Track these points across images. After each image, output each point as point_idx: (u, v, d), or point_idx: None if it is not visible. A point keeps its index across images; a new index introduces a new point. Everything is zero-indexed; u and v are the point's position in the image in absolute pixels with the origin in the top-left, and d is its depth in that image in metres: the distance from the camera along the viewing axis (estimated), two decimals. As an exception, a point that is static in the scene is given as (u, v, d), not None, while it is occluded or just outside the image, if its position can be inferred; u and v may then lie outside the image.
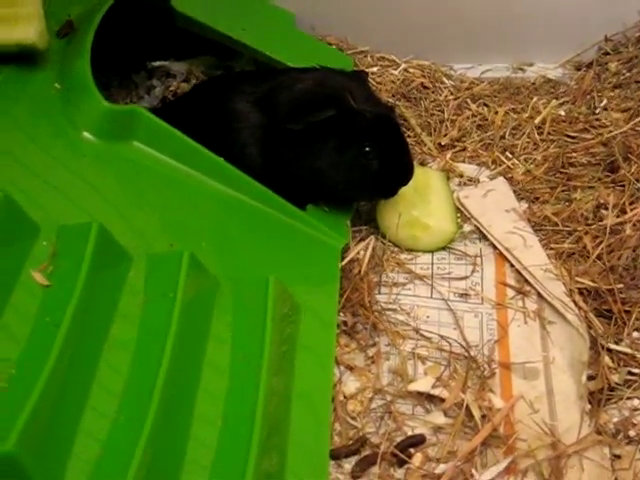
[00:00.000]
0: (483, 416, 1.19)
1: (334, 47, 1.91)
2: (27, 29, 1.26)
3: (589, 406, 1.21)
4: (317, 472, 1.08)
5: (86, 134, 1.26)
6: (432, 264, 1.44)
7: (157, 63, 1.81)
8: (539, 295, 1.36)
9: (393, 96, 1.81)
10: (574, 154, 1.63)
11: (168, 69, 1.80)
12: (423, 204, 1.49)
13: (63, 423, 0.95)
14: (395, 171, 1.38)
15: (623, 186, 1.51)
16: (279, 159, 1.36)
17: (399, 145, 1.38)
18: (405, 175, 1.39)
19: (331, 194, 1.41)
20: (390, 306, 1.36)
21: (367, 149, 1.33)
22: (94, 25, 1.36)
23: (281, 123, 1.33)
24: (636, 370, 1.25)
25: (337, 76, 1.41)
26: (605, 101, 1.77)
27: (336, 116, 1.30)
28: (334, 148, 1.33)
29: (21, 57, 1.28)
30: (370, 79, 1.77)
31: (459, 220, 1.51)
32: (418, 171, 1.52)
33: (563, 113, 1.76)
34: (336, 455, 1.15)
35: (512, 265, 1.41)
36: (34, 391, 0.91)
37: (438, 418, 1.20)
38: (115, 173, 1.24)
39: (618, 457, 1.16)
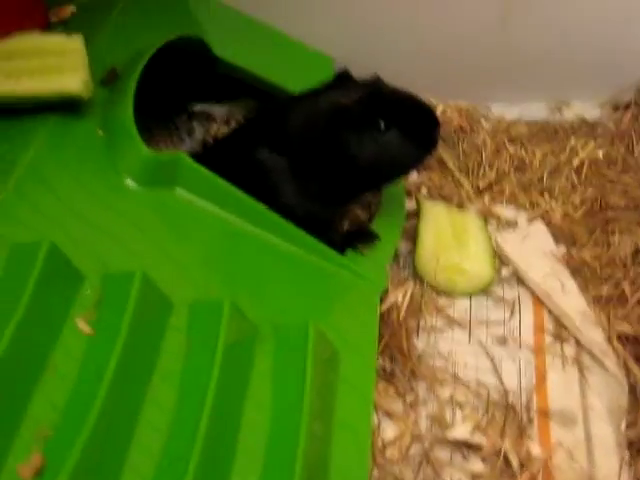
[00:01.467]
0: (521, 464, 1.19)
1: (372, 91, 1.93)
2: (72, 79, 1.28)
3: (628, 454, 1.20)
4: (356, 518, 1.09)
5: (129, 181, 1.27)
6: (470, 309, 1.45)
7: (198, 106, 1.84)
8: (577, 341, 1.36)
9: (431, 139, 1.82)
10: (613, 197, 1.63)
11: (209, 112, 1.82)
12: (461, 248, 1.50)
13: (111, 463, 0.97)
14: (420, 137, 1.36)
15: (661, 230, 1.52)
16: (311, 188, 1.37)
17: (408, 101, 1.39)
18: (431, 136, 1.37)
19: (374, 180, 1.40)
20: (428, 351, 1.37)
21: (382, 126, 1.33)
22: (137, 73, 1.38)
23: (301, 148, 1.35)
24: (676, 417, 1.25)
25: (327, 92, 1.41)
26: (643, 142, 1.77)
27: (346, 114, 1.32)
28: (349, 137, 1.33)
29: (66, 105, 1.31)
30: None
31: (497, 264, 1.52)
32: (456, 215, 1.54)
33: (601, 155, 1.76)
34: (375, 502, 1.16)
35: (550, 310, 1.42)
36: (78, 441, 0.93)
37: (476, 465, 1.21)
38: (157, 220, 1.26)
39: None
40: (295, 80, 1.68)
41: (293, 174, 1.37)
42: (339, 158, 1.33)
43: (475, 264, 1.48)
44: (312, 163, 1.35)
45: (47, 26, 1.55)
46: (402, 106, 1.36)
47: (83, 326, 1.06)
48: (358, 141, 1.32)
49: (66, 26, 1.56)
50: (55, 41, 1.34)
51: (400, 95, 1.39)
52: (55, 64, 1.29)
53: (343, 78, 1.43)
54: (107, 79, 1.42)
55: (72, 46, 1.33)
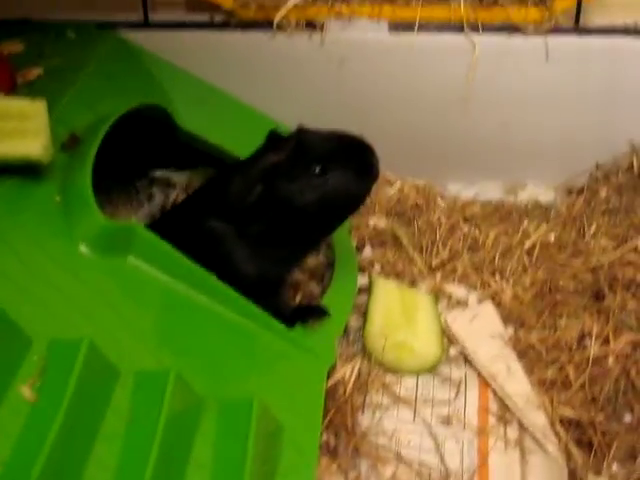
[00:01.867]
0: None
1: (332, 164, 1.96)
2: (33, 144, 1.29)
3: (565, 540, 1.21)
4: None
5: (83, 247, 1.28)
6: (417, 387, 1.46)
7: (158, 172, 1.86)
8: (520, 423, 1.38)
9: (387, 214, 1.85)
10: (562, 280, 1.66)
11: (169, 179, 1.85)
12: (410, 326, 1.51)
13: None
14: (360, 173, 1.39)
15: (608, 315, 1.54)
16: (262, 253, 1.39)
17: (337, 139, 1.42)
18: (371, 170, 1.40)
19: (326, 224, 1.42)
20: (373, 429, 1.37)
21: (317, 170, 1.35)
22: (97, 141, 1.40)
23: (245, 212, 1.36)
24: (614, 504, 1.26)
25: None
26: (594, 227, 1.80)
27: (278, 165, 1.35)
28: (290, 188, 1.35)
29: (25, 169, 1.32)
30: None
31: (445, 343, 1.53)
32: (407, 293, 1.56)
33: (553, 238, 1.79)
34: None
35: (495, 392, 1.43)
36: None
37: None
38: (108, 288, 1.26)
39: None
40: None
41: (242, 240, 1.39)
42: (286, 213, 1.35)
43: (423, 343, 1.49)
44: (259, 225, 1.37)
45: (13, 88, 1.57)
46: (332, 144, 1.39)
47: (27, 392, 1.06)
48: (299, 191, 1.34)
49: (32, 88, 1.58)
50: (18, 105, 1.35)
51: (327, 135, 1.42)
52: (17, 128, 1.30)
53: (274, 138, 1.46)
54: (68, 144, 1.44)
55: (35, 110, 1.34)
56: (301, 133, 1.42)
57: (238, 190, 1.36)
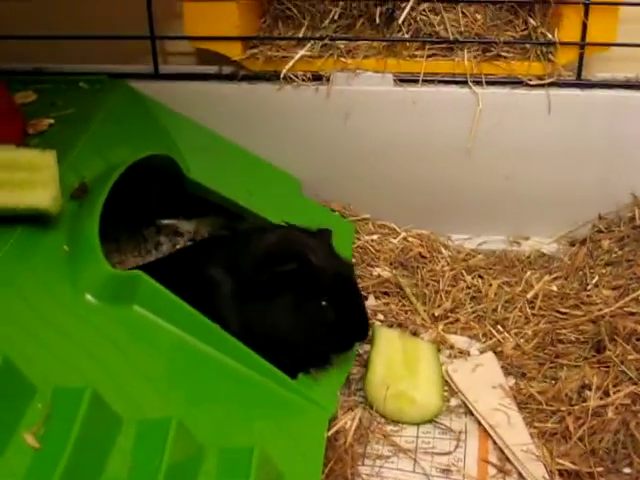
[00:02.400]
0: None
1: (337, 213, 1.99)
2: (42, 195, 1.31)
3: None
4: None
5: (89, 296, 1.31)
6: (417, 437, 1.47)
7: (166, 221, 1.89)
8: (520, 475, 1.38)
9: (391, 264, 1.87)
10: (563, 330, 1.68)
11: (176, 227, 1.87)
12: (411, 377, 1.53)
13: None
14: (351, 327, 1.45)
15: (608, 367, 1.55)
16: (251, 319, 1.41)
17: (355, 302, 1.46)
18: (361, 331, 1.46)
19: (292, 346, 1.44)
20: (373, 479, 1.38)
21: (324, 303, 1.41)
22: (106, 190, 1.42)
23: (249, 277, 1.40)
24: None
25: (300, 233, 1.50)
26: (597, 278, 1.81)
27: (297, 270, 1.38)
28: (294, 301, 1.40)
29: (35, 218, 1.34)
30: (370, 246, 1.85)
31: (446, 393, 1.54)
32: (409, 343, 1.58)
33: (555, 288, 1.81)
34: None
35: (495, 442, 1.44)
36: None
37: None
38: (113, 337, 1.28)
39: None
40: (260, 201, 1.74)
41: (237, 299, 1.43)
42: (272, 312, 1.41)
43: (424, 394, 1.50)
44: (253, 296, 1.42)
45: (23, 138, 1.60)
46: (347, 300, 1.45)
47: (30, 440, 1.07)
48: (295, 308, 1.42)
49: (43, 137, 1.61)
50: (28, 156, 1.37)
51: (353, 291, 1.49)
52: (26, 179, 1.33)
53: (323, 236, 1.54)
54: (77, 193, 1.46)
55: (44, 161, 1.36)
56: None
57: (261, 256, 1.42)
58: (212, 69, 1.98)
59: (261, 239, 1.47)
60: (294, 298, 1.41)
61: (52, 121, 1.67)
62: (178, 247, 1.84)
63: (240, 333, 1.37)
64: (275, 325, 1.41)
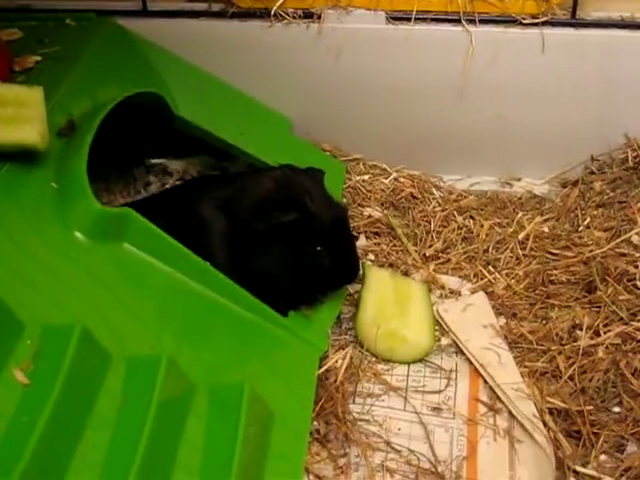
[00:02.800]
0: (446, 533, 1.21)
1: (328, 153, 1.97)
2: (30, 130, 1.30)
3: (552, 529, 1.22)
4: None
5: (78, 234, 1.29)
6: (408, 376, 1.47)
7: (155, 160, 1.87)
8: (510, 413, 1.39)
9: (382, 204, 1.86)
10: (555, 271, 1.67)
11: (165, 167, 1.85)
12: (402, 316, 1.52)
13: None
14: (343, 271, 1.47)
15: (599, 307, 1.55)
16: (243, 262, 1.41)
17: (349, 247, 1.49)
18: (352, 275, 1.49)
19: (284, 288, 1.45)
20: (363, 417, 1.39)
21: (319, 249, 1.42)
22: (94, 128, 1.40)
23: (246, 223, 1.40)
24: (601, 494, 1.27)
25: (296, 177, 1.48)
26: (588, 219, 1.81)
27: (298, 218, 1.38)
28: (290, 248, 1.41)
29: (22, 155, 1.32)
30: (361, 186, 1.84)
31: (437, 333, 1.54)
32: (400, 282, 1.57)
33: (547, 229, 1.80)
34: None
35: (486, 381, 1.44)
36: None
37: (403, 533, 1.22)
38: (103, 274, 1.27)
39: None
40: (251, 140, 1.72)
41: (230, 239, 1.43)
42: (268, 257, 1.42)
43: (415, 333, 1.50)
44: (249, 242, 1.42)
45: (9, 75, 1.57)
46: (341, 245, 1.47)
47: (20, 376, 1.07)
48: (291, 253, 1.43)
49: (29, 75, 1.58)
50: (15, 92, 1.35)
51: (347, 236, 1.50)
52: (13, 115, 1.31)
53: (316, 178, 1.53)
54: (64, 130, 1.44)
55: (31, 97, 1.34)
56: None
57: (261, 203, 1.42)
58: (201, 6, 1.94)
59: (259, 184, 1.45)
60: (290, 245, 1.41)
61: (39, 58, 1.64)
62: (167, 186, 1.83)
63: (230, 273, 1.37)
64: (269, 271, 1.42)
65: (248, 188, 1.45)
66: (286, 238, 1.40)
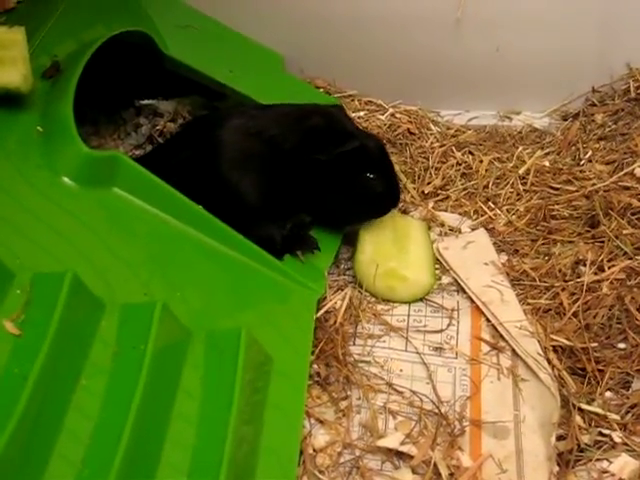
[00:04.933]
0: (451, 474, 1.19)
1: (322, 90, 1.93)
2: (12, 73, 1.26)
3: (557, 468, 1.21)
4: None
5: (66, 179, 1.26)
6: (408, 316, 1.45)
7: (145, 101, 1.82)
8: (513, 352, 1.36)
9: (379, 141, 1.82)
10: (556, 206, 1.64)
11: (156, 108, 1.80)
12: (401, 255, 1.49)
13: (30, 472, 0.95)
14: (390, 194, 1.50)
15: (602, 242, 1.52)
16: (283, 190, 1.42)
17: (393, 173, 1.52)
18: (397, 199, 1.52)
19: (334, 219, 1.51)
20: (364, 358, 1.36)
21: (372, 176, 1.45)
22: (79, 69, 1.36)
23: (307, 154, 1.40)
24: (607, 431, 1.25)
25: (334, 111, 1.51)
26: (590, 153, 1.77)
27: (359, 147, 1.42)
28: (348, 176, 1.43)
29: (5, 98, 1.29)
30: (357, 123, 1.79)
31: (438, 271, 1.52)
32: (399, 221, 1.54)
33: (548, 164, 1.76)
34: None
35: (488, 320, 1.42)
36: (0, 442, 0.91)
37: (406, 475, 1.20)
38: (93, 220, 1.24)
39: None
40: (242, 78, 1.68)
41: (264, 164, 1.42)
42: (324, 188, 1.45)
43: (415, 271, 1.47)
44: (300, 172, 1.42)
45: (-10, 16, 1.53)
46: (387, 171, 1.52)
47: (10, 327, 1.04)
48: (347, 182, 1.46)
49: (10, 16, 1.54)
50: (-6, 33, 1.31)
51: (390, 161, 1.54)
52: (-5, 56, 1.27)
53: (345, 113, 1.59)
54: (49, 72, 1.40)
55: (13, 38, 1.30)
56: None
57: (321, 134, 1.42)
58: (189, -60, 1.88)
59: (306, 119, 1.44)
60: (348, 174, 1.44)
61: (20, -2, 1.59)
62: (158, 128, 1.78)
63: (257, 201, 1.40)
64: (328, 200, 1.46)
65: (295, 119, 1.45)
66: (344, 168, 1.43)
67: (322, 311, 1.37)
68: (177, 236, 1.29)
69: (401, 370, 1.36)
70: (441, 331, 1.42)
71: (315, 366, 1.32)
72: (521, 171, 1.74)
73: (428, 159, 1.78)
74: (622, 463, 1.20)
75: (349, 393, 1.31)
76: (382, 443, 1.23)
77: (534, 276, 1.48)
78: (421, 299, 1.47)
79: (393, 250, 1.49)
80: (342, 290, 1.45)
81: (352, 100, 1.95)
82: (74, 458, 0.99)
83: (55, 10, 1.54)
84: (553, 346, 1.36)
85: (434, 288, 1.49)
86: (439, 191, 1.72)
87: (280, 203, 1.43)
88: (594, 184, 1.66)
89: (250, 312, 1.28)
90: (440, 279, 1.51)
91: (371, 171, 1.45)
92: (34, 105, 1.33)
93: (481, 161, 1.77)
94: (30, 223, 1.18)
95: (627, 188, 1.62)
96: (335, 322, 1.37)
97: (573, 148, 1.82)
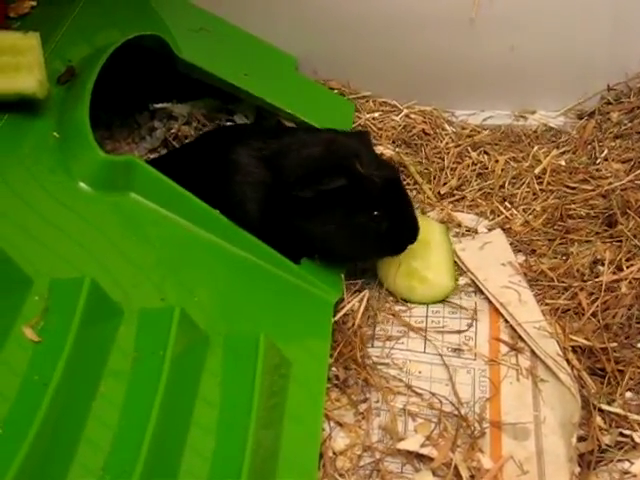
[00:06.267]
0: (472, 476, 1.19)
1: (336, 92, 1.92)
2: (28, 79, 1.26)
3: (578, 469, 1.20)
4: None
5: (82, 184, 1.26)
6: (427, 317, 1.44)
7: (159, 105, 1.82)
8: (532, 352, 1.36)
9: (394, 142, 1.82)
10: (573, 206, 1.63)
11: (170, 111, 1.80)
12: (424, 256, 1.49)
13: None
14: (403, 230, 1.41)
15: (620, 241, 1.51)
16: (281, 219, 1.36)
17: (406, 206, 1.41)
18: (413, 233, 1.41)
19: (339, 255, 1.42)
20: (383, 360, 1.36)
21: (376, 213, 1.35)
22: (94, 74, 1.36)
23: (290, 189, 1.33)
24: (628, 432, 1.24)
25: (344, 140, 1.42)
26: (606, 151, 1.77)
27: (346, 184, 1.31)
28: (343, 214, 1.35)
29: (21, 104, 1.29)
30: (371, 124, 1.80)
31: (456, 274, 1.51)
32: (421, 222, 1.53)
33: (564, 163, 1.76)
34: (323, 513, 1.16)
35: (506, 321, 1.41)
36: (21, 449, 0.92)
37: (426, 478, 1.20)
38: (110, 225, 1.24)
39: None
40: (256, 81, 1.67)
41: (267, 191, 1.38)
42: (318, 224, 1.36)
43: (436, 273, 1.47)
44: (293, 205, 1.35)
45: (5, 21, 1.53)
46: (398, 206, 1.40)
47: (29, 333, 1.05)
48: (345, 220, 1.36)
49: (25, 21, 1.54)
50: (10, 39, 1.32)
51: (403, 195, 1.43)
52: (9, 63, 1.28)
53: (364, 139, 1.47)
54: (64, 77, 1.41)
55: (28, 44, 1.31)
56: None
57: (306, 169, 1.35)
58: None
59: (304, 147, 1.39)
60: (343, 211, 1.34)
61: (34, 3, 1.61)
62: (173, 131, 1.78)
63: (259, 224, 1.37)
64: (325, 238, 1.37)
65: (294, 150, 1.39)
66: (336, 204, 1.33)
67: (340, 314, 1.37)
68: (194, 240, 1.29)
69: (420, 372, 1.35)
70: (460, 332, 1.41)
71: (334, 369, 1.32)
72: (537, 171, 1.73)
73: (443, 159, 1.78)
74: (644, 464, 1.20)
75: (368, 395, 1.31)
76: (402, 446, 1.22)
77: (552, 276, 1.48)
78: (440, 301, 1.47)
79: (416, 251, 1.47)
80: (360, 292, 1.44)
81: (366, 101, 1.94)
82: (94, 466, 0.99)
83: (69, 15, 1.55)
84: (572, 346, 1.36)
85: (454, 291, 1.48)
86: (455, 192, 1.71)
87: (284, 234, 1.38)
88: (611, 183, 1.65)
89: (267, 316, 1.27)
90: (458, 280, 1.50)
91: (376, 208, 1.35)
92: (49, 111, 1.33)
93: (497, 161, 1.76)
94: (46, 229, 1.18)
95: (644, 186, 1.61)
96: (353, 324, 1.37)
97: (589, 147, 1.81)
